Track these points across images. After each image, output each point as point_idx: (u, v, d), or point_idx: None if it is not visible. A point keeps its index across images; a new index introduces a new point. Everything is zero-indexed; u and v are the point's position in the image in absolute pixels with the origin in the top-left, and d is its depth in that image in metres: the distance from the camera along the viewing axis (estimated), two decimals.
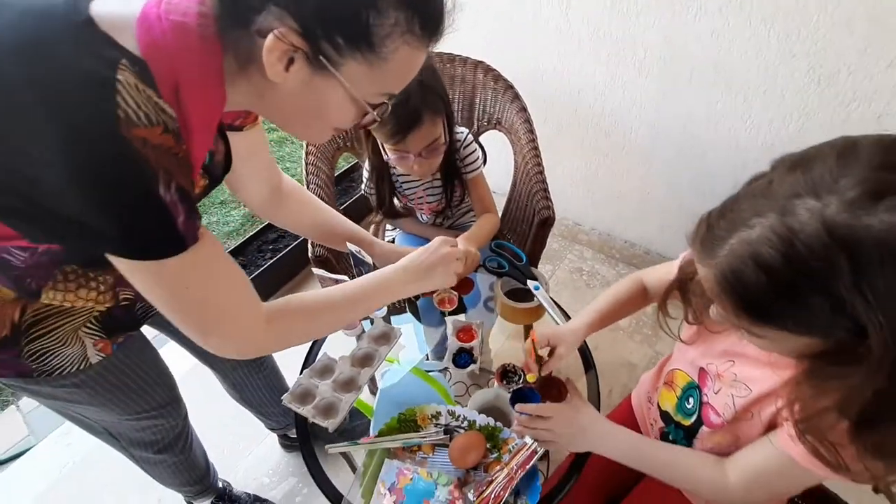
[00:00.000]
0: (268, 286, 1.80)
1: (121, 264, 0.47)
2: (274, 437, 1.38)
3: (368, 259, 0.81)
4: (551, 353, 0.73)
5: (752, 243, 0.39)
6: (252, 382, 1.11)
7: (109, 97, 0.38)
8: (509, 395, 0.73)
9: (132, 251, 0.45)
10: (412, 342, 0.97)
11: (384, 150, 1.02)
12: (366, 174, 1.18)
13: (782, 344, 0.45)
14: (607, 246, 1.83)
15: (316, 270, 0.82)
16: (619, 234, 1.79)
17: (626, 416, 0.89)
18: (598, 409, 0.77)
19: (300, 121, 0.54)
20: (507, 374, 0.77)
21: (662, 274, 0.75)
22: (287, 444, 1.36)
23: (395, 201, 1.23)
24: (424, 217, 1.27)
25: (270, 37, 0.42)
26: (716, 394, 0.62)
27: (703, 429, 0.65)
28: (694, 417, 0.66)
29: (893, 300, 0.35)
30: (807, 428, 0.47)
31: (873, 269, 0.34)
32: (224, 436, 1.40)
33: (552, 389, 0.71)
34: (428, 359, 0.95)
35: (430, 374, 0.88)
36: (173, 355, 0.97)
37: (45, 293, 0.57)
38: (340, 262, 1.14)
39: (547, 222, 1.14)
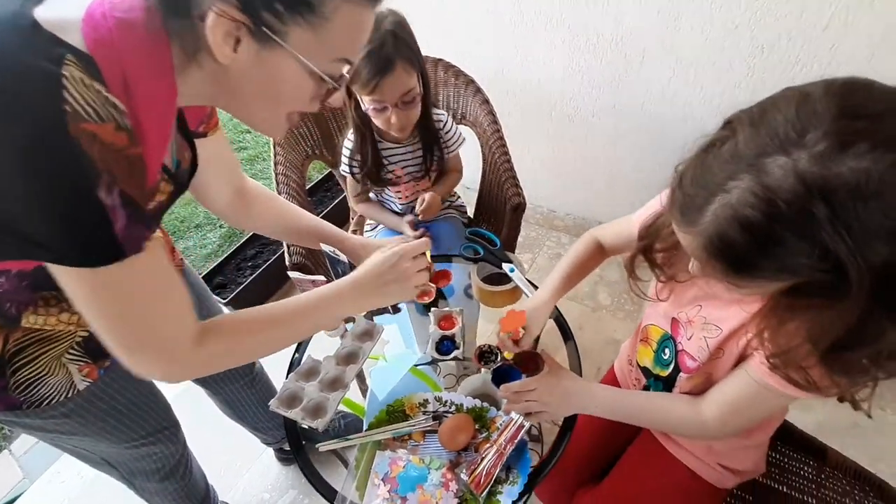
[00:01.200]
0: (251, 302, 1.79)
1: (59, 275, 0.45)
2: (270, 451, 1.37)
3: (344, 258, 0.82)
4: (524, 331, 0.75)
5: (733, 207, 0.40)
6: (245, 398, 1.10)
7: (55, 92, 0.38)
8: (490, 376, 0.75)
9: (66, 256, 0.43)
10: (397, 338, 0.98)
11: (364, 109, 1.03)
12: (346, 151, 1.18)
13: (764, 289, 0.48)
14: (582, 229, 1.84)
15: (291, 273, 0.83)
16: (592, 216, 1.82)
17: (611, 381, 0.91)
18: (567, 436, 0.79)
19: (259, 106, 0.52)
20: (483, 354, 0.79)
21: (616, 230, 0.78)
22: (283, 457, 1.35)
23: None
24: (400, 206, 1.28)
25: (211, 15, 0.42)
26: (689, 339, 0.65)
27: (681, 375, 0.67)
28: (671, 367, 0.69)
29: (869, 239, 0.38)
30: (778, 357, 0.50)
31: (848, 212, 0.37)
32: (220, 455, 1.38)
33: (529, 363, 0.73)
34: (413, 353, 0.95)
35: (419, 367, 0.89)
36: None
37: (25, 317, 0.56)
38: (320, 268, 1.15)
39: (518, 208, 1.16)
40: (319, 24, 0.45)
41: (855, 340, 0.45)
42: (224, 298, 1.69)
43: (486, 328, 1.51)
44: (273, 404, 0.76)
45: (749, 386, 0.57)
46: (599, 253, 0.82)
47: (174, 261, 0.84)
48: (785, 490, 0.82)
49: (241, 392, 1.08)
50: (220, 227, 2.22)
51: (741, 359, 0.59)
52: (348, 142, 1.17)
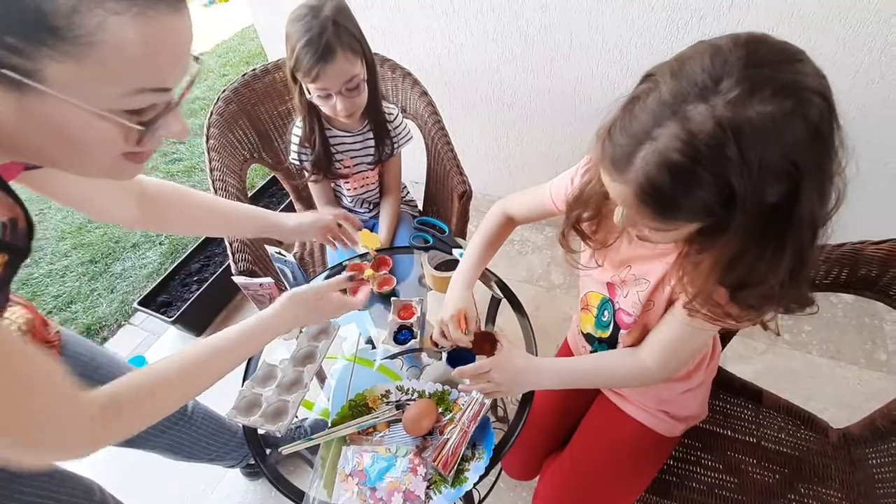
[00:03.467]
0: (202, 318, 1.71)
1: None
2: (234, 471, 1.32)
3: (290, 258, 0.81)
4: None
5: (661, 152, 0.43)
6: (188, 439, 1.00)
7: None
8: (445, 360, 0.75)
9: None
10: (354, 335, 0.97)
11: (309, 97, 1.01)
12: (294, 139, 1.14)
13: (681, 232, 0.51)
14: None
15: (237, 279, 0.80)
16: None
17: (565, 355, 0.95)
18: (536, 353, 0.82)
19: (63, 158, 0.43)
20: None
21: (527, 201, 0.82)
22: (250, 472, 1.31)
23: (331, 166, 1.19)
24: (349, 198, 1.27)
25: None
26: (625, 297, 0.69)
27: (621, 332, 0.71)
28: (611, 327, 0.73)
29: (766, 176, 0.42)
30: (697, 298, 0.55)
31: (753, 152, 0.41)
32: (175, 491, 1.30)
33: (485, 344, 0.74)
34: (374, 347, 0.95)
35: (382, 362, 0.89)
36: None
37: None
38: (268, 271, 1.11)
39: (464, 195, 1.18)
40: (83, 53, 0.36)
41: (753, 277, 0.50)
42: (170, 317, 1.61)
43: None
44: (230, 414, 0.74)
45: (678, 326, 0.63)
46: (509, 226, 0.85)
47: (48, 335, 0.75)
48: (729, 433, 0.89)
49: (179, 436, 0.98)
50: (160, 244, 2.10)
51: (669, 305, 0.64)
52: (296, 129, 1.13)
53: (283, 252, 0.80)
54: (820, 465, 0.85)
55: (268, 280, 0.77)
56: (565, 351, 0.95)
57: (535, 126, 1.65)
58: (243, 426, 0.75)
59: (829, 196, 0.46)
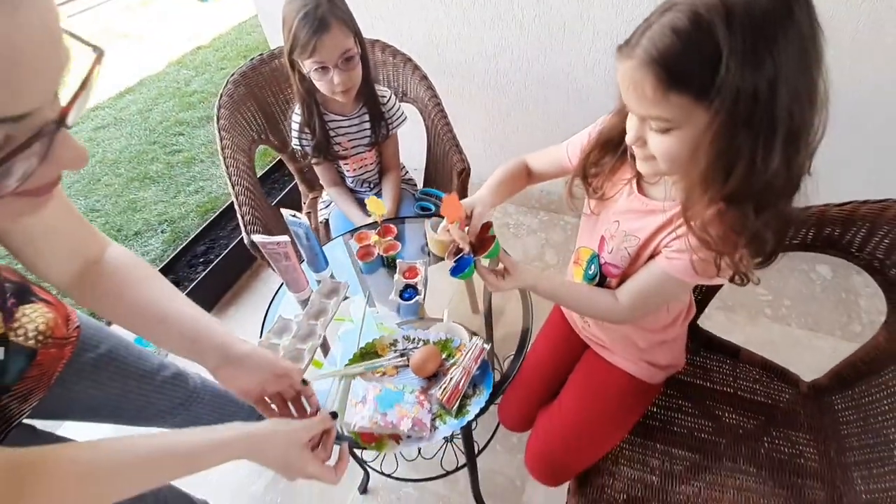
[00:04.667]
0: (207, 298, 1.77)
1: None
2: None
3: (304, 220, 0.87)
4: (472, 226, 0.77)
5: (669, 21, 0.49)
6: (196, 415, 0.99)
7: None
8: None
9: None
10: (360, 300, 1.03)
11: (306, 75, 1.07)
12: (294, 126, 1.21)
13: (683, 130, 0.55)
14: (526, 198, 1.99)
15: (256, 237, 0.85)
16: (534, 185, 1.95)
17: (556, 315, 1.02)
18: (532, 325, 0.91)
19: None
20: (459, 251, 0.76)
21: (546, 156, 0.89)
22: None
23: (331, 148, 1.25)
24: (350, 178, 1.33)
25: None
26: (610, 252, 0.76)
27: (608, 281, 0.79)
28: (597, 279, 0.80)
29: (748, 56, 0.47)
30: (703, 236, 0.59)
31: (740, 30, 0.47)
32: None
33: (486, 243, 0.74)
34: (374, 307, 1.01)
35: (385, 325, 0.95)
36: (84, 429, 0.82)
37: None
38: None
39: (463, 173, 1.25)
40: None
41: (744, 177, 0.54)
42: None
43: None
44: (265, 337, 0.80)
45: (655, 276, 0.69)
46: (527, 175, 0.92)
47: (68, 332, 0.72)
48: (708, 385, 0.97)
49: (187, 415, 0.96)
50: (162, 232, 2.15)
51: (651, 260, 0.71)
52: (296, 116, 1.20)
53: (297, 215, 0.86)
54: (791, 411, 0.93)
55: (284, 238, 0.83)
56: (555, 313, 1.03)
57: (530, 113, 1.72)
58: None
59: (812, 100, 0.51)
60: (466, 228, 0.75)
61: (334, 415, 0.60)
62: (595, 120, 0.79)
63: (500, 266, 0.75)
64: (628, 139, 0.62)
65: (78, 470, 0.47)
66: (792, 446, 0.88)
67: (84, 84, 0.32)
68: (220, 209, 2.06)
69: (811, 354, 1.43)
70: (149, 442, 0.52)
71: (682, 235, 0.64)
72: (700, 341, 1.03)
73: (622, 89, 0.57)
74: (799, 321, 1.53)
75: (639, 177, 0.73)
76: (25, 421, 0.70)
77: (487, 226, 0.76)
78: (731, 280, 0.65)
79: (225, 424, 0.57)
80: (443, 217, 0.71)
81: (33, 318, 0.66)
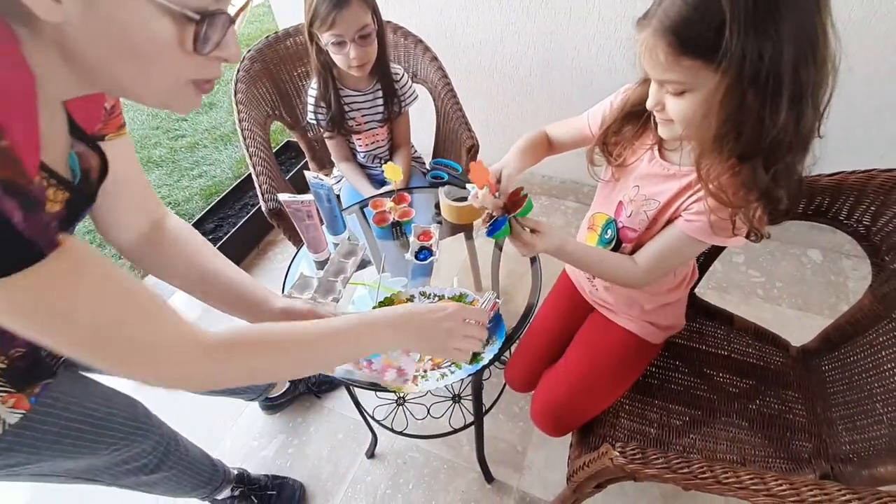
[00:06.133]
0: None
1: None
2: (253, 405, 1.43)
3: (327, 181, 0.91)
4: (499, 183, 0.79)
5: None
6: None
7: None
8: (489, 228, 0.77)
9: None
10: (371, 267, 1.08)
11: (323, 48, 1.11)
12: (311, 100, 1.26)
13: (696, 92, 0.58)
14: (529, 183, 2.04)
15: (281, 196, 0.89)
16: (536, 170, 2.00)
17: (563, 283, 1.07)
18: (540, 293, 0.94)
19: (131, 73, 0.42)
20: (492, 217, 0.79)
21: (564, 124, 0.93)
22: (268, 405, 1.41)
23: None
24: (361, 153, 1.37)
25: None
26: (629, 217, 0.80)
27: (624, 246, 0.83)
28: (613, 243, 0.85)
29: (754, 20, 0.50)
30: (708, 178, 0.63)
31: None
32: (200, 419, 1.41)
33: (519, 201, 0.77)
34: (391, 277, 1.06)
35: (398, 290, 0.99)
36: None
37: None
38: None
39: (472, 148, 1.29)
40: None
41: (751, 148, 0.58)
42: None
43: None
44: (289, 292, 0.86)
45: (673, 238, 0.74)
46: (548, 144, 0.96)
47: None
48: (703, 348, 1.03)
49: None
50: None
51: (668, 224, 0.76)
52: (312, 90, 1.24)
53: (319, 176, 0.90)
54: (781, 372, 0.98)
55: (308, 197, 0.87)
56: (562, 278, 1.08)
57: (535, 97, 1.77)
58: None
59: (817, 59, 0.54)
60: (497, 194, 0.77)
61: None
62: (601, 100, 0.84)
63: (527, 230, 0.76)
64: (649, 104, 0.66)
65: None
66: (781, 403, 0.94)
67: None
68: (227, 190, 2.10)
69: (801, 332, 1.47)
70: (316, 325, 0.58)
71: (701, 198, 0.68)
72: (697, 309, 1.09)
73: (640, 57, 0.62)
74: (790, 301, 1.59)
75: (660, 143, 0.77)
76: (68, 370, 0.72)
77: (518, 190, 0.78)
78: (746, 236, 0.69)
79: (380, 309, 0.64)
80: (462, 185, 0.74)
81: None
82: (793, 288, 1.63)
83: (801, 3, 0.52)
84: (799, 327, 1.51)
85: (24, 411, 0.63)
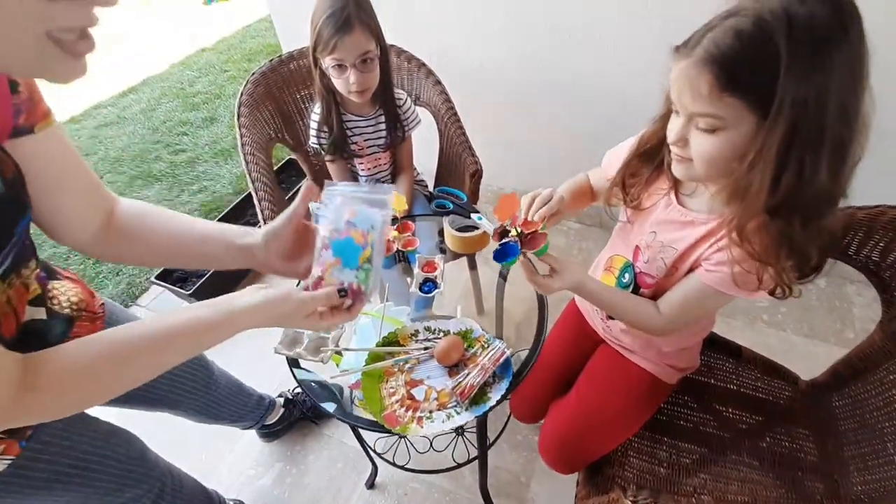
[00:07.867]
0: (213, 296, 1.77)
1: None
2: (250, 433, 1.40)
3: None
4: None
5: (731, 25, 0.50)
6: (214, 400, 1.06)
7: None
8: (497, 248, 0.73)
9: None
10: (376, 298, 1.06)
11: (326, 72, 1.11)
12: (313, 125, 1.25)
13: (729, 132, 0.55)
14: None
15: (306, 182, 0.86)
16: (538, 187, 2.00)
17: (571, 312, 1.06)
18: (545, 331, 0.91)
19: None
20: (505, 232, 0.76)
21: (596, 174, 0.89)
22: (265, 433, 1.38)
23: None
24: (363, 176, 1.36)
25: None
26: (646, 262, 0.78)
27: (641, 292, 0.80)
28: (631, 287, 0.82)
29: (804, 63, 0.48)
30: (737, 230, 0.60)
31: (802, 41, 0.48)
32: (196, 447, 1.38)
33: (536, 241, 0.72)
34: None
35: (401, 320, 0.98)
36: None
37: None
38: None
39: (476, 174, 1.29)
40: None
41: (784, 205, 0.55)
42: (187, 290, 1.68)
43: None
44: (278, 348, 0.83)
45: (695, 289, 0.70)
46: (587, 186, 0.91)
47: (95, 308, 0.74)
48: (712, 382, 1.01)
49: (207, 397, 1.03)
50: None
51: (690, 272, 0.72)
52: (315, 115, 1.24)
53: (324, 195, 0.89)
54: (790, 408, 0.97)
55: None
56: (570, 309, 1.06)
57: (536, 119, 1.77)
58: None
59: (856, 117, 0.53)
60: (517, 225, 0.72)
61: (342, 292, 0.61)
62: (600, 127, 0.82)
63: (547, 267, 0.73)
64: (670, 138, 0.62)
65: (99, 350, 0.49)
66: (792, 441, 0.92)
67: None
68: (227, 209, 2.08)
69: (806, 360, 1.47)
70: (164, 320, 0.53)
71: (724, 248, 0.64)
72: (705, 341, 1.07)
73: (675, 88, 0.58)
74: (794, 327, 1.58)
75: (677, 188, 0.74)
76: None
77: (537, 224, 0.72)
78: (772, 293, 0.65)
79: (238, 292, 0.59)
80: (466, 214, 0.70)
81: (63, 291, 0.68)
82: (797, 314, 1.62)
83: (849, 57, 0.50)
84: (805, 354, 1.50)
85: (12, 457, 0.60)
